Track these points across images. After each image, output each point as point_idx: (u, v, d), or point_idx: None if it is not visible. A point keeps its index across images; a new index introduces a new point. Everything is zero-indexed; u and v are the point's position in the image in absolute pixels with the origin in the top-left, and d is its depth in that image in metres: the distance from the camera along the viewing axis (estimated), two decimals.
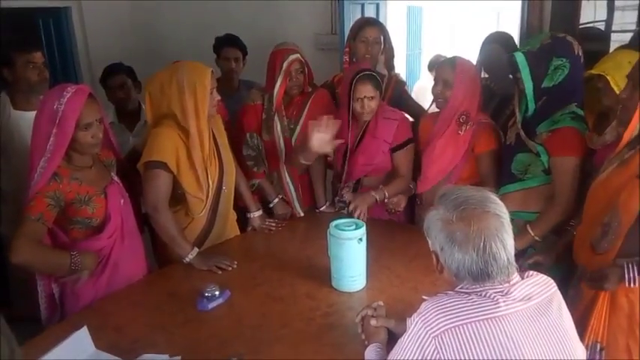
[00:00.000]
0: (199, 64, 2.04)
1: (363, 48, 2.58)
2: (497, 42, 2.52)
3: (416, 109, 2.69)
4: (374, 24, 2.65)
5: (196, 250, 2.02)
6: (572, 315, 1.40)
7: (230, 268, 1.99)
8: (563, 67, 1.89)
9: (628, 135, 1.54)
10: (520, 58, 1.91)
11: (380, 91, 2.26)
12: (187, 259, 2.00)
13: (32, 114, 2.05)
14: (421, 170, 2.30)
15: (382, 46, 2.61)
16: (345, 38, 3.38)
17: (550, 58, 1.89)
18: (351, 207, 2.26)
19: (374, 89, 2.21)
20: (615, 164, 1.57)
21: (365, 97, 2.21)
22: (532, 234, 1.93)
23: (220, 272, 1.97)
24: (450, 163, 2.21)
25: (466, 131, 2.16)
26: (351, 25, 2.80)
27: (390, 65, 2.70)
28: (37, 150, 1.70)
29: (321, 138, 2.15)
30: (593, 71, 1.77)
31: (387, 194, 2.30)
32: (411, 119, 2.55)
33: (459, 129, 2.16)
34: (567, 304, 1.20)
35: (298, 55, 2.37)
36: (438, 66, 2.27)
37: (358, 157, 2.36)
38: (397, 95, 2.68)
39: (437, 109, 2.28)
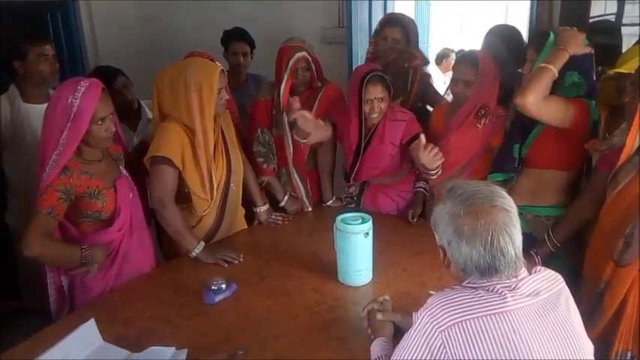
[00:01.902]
0: (209, 62, 2.02)
1: (381, 45, 2.59)
2: (498, 36, 2.51)
3: (440, 102, 2.68)
4: (395, 24, 2.61)
5: (202, 243, 2.03)
6: (595, 328, 1.38)
7: (237, 262, 2.00)
8: (579, 86, 1.86)
9: (631, 141, 1.51)
10: (551, 39, 1.84)
11: (389, 92, 2.23)
12: (194, 253, 2.00)
13: (41, 107, 2.05)
14: None
15: (404, 45, 2.59)
16: (353, 32, 3.39)
17: (571, 70, 1.84)
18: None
19: (383, 90, 2.19)
20: (632, 174, 1.53)
21: (375, 98, 2.18)
22: None
23: (227, 265, 1.98)
24: (465, 155, 2.19)
25: (485, 125, 2.13)
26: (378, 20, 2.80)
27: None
28: (49, 143, 1.70)
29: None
30: (623, 70, 1.72)
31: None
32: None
33: (478, 122, 2.14)
34: (583, 319, 1.18)
35: (304, 52, 2.35)
36: (457, 65, 2.22)
37: (365, 160, 2.34)
38: (423, 88, 2.67)
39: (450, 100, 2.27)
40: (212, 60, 2.19)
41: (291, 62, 2.34)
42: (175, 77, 1.95)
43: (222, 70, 2.01)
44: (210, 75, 1.94)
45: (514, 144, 2.02)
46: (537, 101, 1.76)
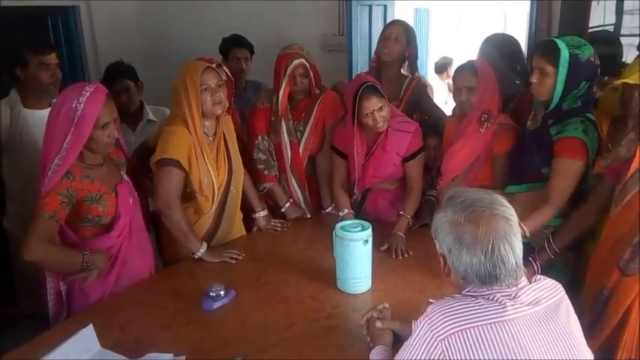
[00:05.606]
0: (195, 62, 2.07)
1: (382, 44, 2.61)
2: (494, 45, 2.53)
3: (435, 112, 2.70)
4: (397, 23, 2.69)
5: (206, 245, 2.05)
6: (597, 337, 1.35)
7: (241, 257, 2.06)
8: (582, 97, 1.86)
9: None
10: (565, 54, 1.81)
11: (385, 98, 2.22)
12: (198, 254, 2.03)
13: (42, 112, 2.04)
14: (441, 168, 2.30)
15: (405, 46, 2.62)
16: (353, 40, 3.41)
17: (585, 80, 1.83)
18: (393, 253, 2.08)
19: (379, 100, 2.18)
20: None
21: (373, 110, 2.18)
22: (523, 228, 1.83)
23: (234, 262, 2.02)
24: (467, 158, 2.19)
25: (487, 129, 2.14)
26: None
27: (413, 67, 2.72)
28: (52, 147, 1.69)
29: None
30: (630, 81, 1.72)
31: (410, 222, 2.25)
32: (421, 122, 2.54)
33: (481, 127, 2.15)
34: (585, 328, 1.18)
35: (302, 59, 2.35)
36: (457, 75, 2.23)
37: (368, 168, 2.34)
38: (417, 97, 2.67)
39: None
40: (220, 65, 2.19)
41: (290, 69, 2.34)
42: (178, 79, 2.03)
43: (210, 67, 2.03)
44: (193, 72, 1.99)
45: (541, 165, 1.97)
46: (561, 205, 1.85)
